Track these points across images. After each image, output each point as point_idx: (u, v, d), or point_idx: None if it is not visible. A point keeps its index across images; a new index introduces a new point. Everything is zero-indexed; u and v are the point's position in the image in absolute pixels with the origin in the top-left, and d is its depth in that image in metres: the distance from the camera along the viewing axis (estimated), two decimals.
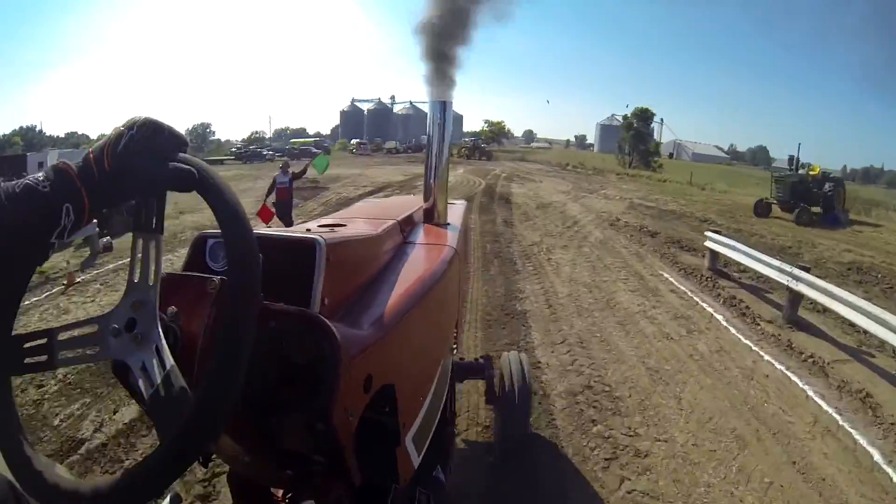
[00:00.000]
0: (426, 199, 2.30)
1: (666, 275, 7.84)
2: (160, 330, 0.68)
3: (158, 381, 0.63)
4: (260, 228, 1.09)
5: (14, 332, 0.68)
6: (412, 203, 2.38)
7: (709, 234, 8.29)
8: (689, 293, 7.02)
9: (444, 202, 2.33)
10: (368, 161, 37.70)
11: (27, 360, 0.67)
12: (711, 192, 25.04)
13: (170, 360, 0.65)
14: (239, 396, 0.61)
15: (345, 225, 1.57)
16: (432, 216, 2.28)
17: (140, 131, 0.65)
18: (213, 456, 1.09)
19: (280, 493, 1.27)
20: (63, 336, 0.68)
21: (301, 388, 0.81)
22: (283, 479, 1.07)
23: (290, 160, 10.01)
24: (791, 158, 15.92)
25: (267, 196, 8.92)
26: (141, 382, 0.64)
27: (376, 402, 0.97)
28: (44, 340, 0.67)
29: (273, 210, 8.24)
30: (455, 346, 2.44)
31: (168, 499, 1.22)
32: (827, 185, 14.90)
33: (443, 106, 2.18)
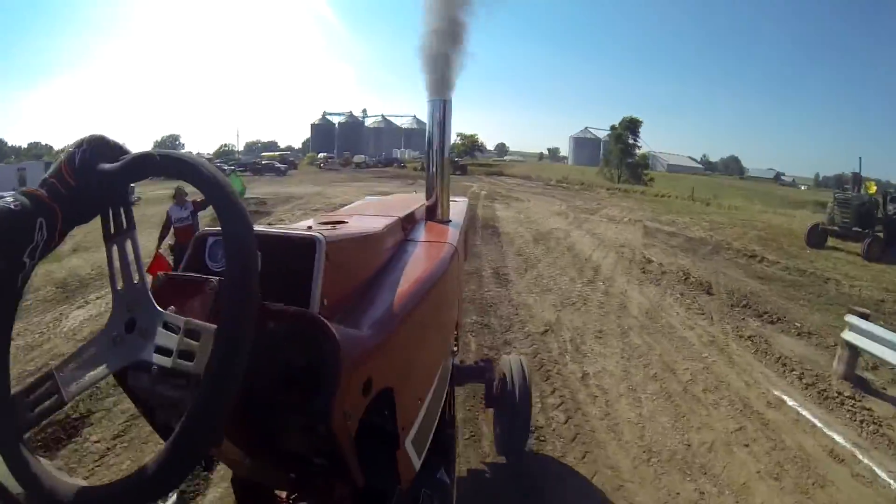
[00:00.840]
0: (428, 197, 2.24)
1: (790, 402, 4.36)
2: (157, 307, 0.68)
3: (178, 339, 0.65)
4: (259, 225, 0.90)
5: (13, 391, 0.68)
6: (415, 200, 2.36)
7: (851, 319, 4.80)
8: (873, 467, 3.55)
9: (446, 199, 2.26)
10: (334, 177, 34.77)
11: (38, 410, 0.67)
12: (719, 208, 22.26)
13: (181, 319, 0.66)
14: (236, 396, 0.60)
15: (346, 222, 1.52)
16: (435, 213, 2.23)
17: (90, 146, 0.69)
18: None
19: (284, 494, 1.25)
20: (65, 371, 0.67)
21: (300, 390, 0.79)
22: (285, 481, 1.06)
23: (183, 187, 6.74)
24: (855, 176, 12.84)
25: (161, 240, 6.00)
26: (161, 358, 0.66)
27: (375, 404, 0.93)
28: (48, 384, 0.67)
29: (170, 261, 5.74)
30: (456, 346, 2.39)
31: (173, 499, 1.29)
32: (891, 208, 11.84)
33: (443, 104, 2.10)
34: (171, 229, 6.07)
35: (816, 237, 12.05)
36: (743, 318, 6.48)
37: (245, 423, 0.81)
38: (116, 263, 0.72)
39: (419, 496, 1.27)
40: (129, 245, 0.72)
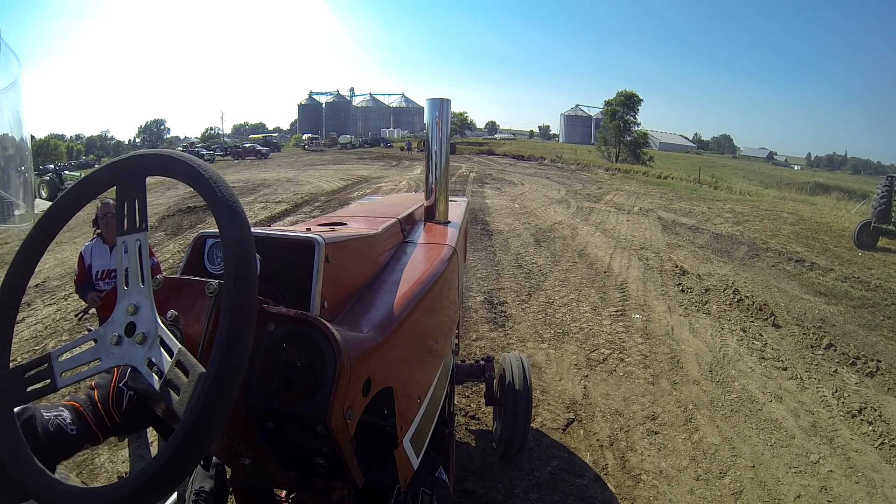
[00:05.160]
0: (427, 197, 2.20)
1: None
2: (161, 323, 0.67)
3: (168, 367, 0.64)
4: (258, 227, 0.94)
5: (12, 364, 0.71)
6: (413, 201, 2.35)
7: None
8: None
9: (445, 200, 2.23)
10: (316, 159, 32.55)
11: (30, 389, 0.70)
12: (729, 193, 20.45)
13: (177, 345, 0.65)
14: (236, 398, 0.61)
15: (345, 224, 1.54)
16: (433, 214, 2.20)
17: None
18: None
19: (283, 494, 1.25)
20: (63, 357, 0.70)
21: (300, 390, 0.79)
22: (285, 480, 1.04)
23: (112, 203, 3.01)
24: None
25: (83, 312, 3.50)
26: (150, 377, 0.65)
27: (374, 404, 0.93)
28: (44, 366, 0.70)
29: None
30: (457, 342, 2.43)
31: (172, 499, 1.22)
32: None
33: (442, 104, 2.10)
34: (97, 293, 3.08)
35: (867, 237, 10.19)
36: (834, 371, 4.62)
37: (245, 422, 0.81)
38: (124, 261, 0.71)
39: (418, 495, 1.24)
40: (138, 245, 0.70)
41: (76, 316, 3.57)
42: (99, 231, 3.18)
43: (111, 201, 3.05)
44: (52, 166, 25.85)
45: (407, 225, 1.87)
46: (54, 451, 0.83)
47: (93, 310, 3.25)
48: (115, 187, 0.74)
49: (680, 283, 6.75)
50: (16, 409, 0.77)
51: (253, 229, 0.69)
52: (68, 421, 0.86)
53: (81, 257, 3.20)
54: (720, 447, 3.28)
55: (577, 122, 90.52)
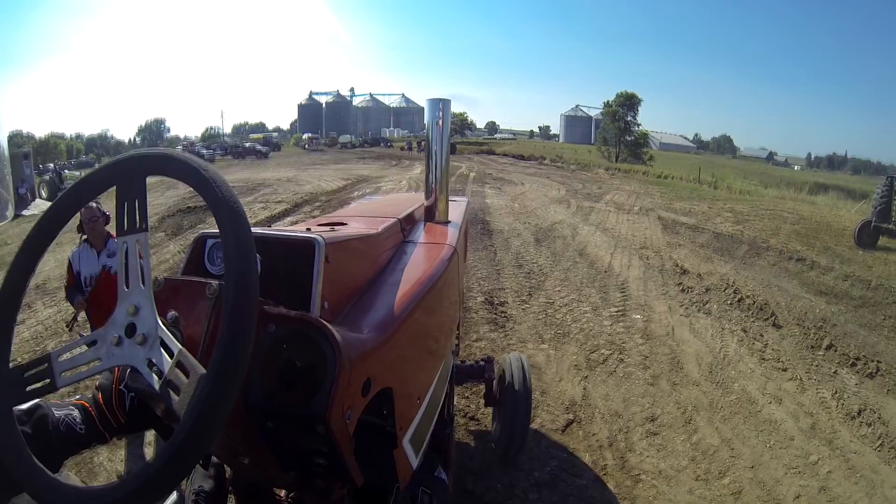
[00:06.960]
0: (427, 197, 2.19)
1: None
2: (161, 324, 0.68)
3: (168, 368, 0.64)
4: (258, 227, 0.94)
5: (12, 363, 0.72)
6: (413, 201, 2.35)
7: None
8: None
9: (445, 199, 2.22)
10: (316, 159, 32.52)
11: (29, 389, 0.70)
12: (729, 192, 20.47)
13: (177, 346, 0.65)
14: (235, 399, 0.61)
15: (345, 224, 1.54)
16: (433, 214, 2.18)
17: None
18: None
19: (283, 493, 1.24)
20: (63, 357, 0.70)
21: (300, 390, 0.79)
22: (285, 480, 1.06)
23: (99, 208, 3.06)
24: None
25: (72, 322, 3.31)
26: (150, 377, 0.65)
27: (374, 403, 0.93)
28: (44, 366, 0.70)
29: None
30: (457, 342, 2.46)
31: (173, 499, 1.22)
32: None
33: (442, 104, 2.09)
34: (82, 296, 3.06)
35: (867, 237, 10.20)
36: (834, 372, 4.62)
37: (245, 422, 0.81)
38: (124, 260, 0.71)
39: (418, 495, 1.25)
40: (138, 245, 0.70)
41: (66, 326, 3.51)
42: (85, 237, 3.13)
43: (94, 205, 3.02)
44: (52, 166, 25.88)
45: (407, 225, 1.87)
46: (63, 448, 0.86)
47: (82, 316, 3.23)
48: (114, 187, 0.75)
49: (680, 283, 6.75)
50: (27, 406, 0.82)
51: (253, 229, 0.69)
52: (78, 420, 0.89)
53: (70, 264, 3.15)
54: (720, 448, 3.28)
55: (577, 123, 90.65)
